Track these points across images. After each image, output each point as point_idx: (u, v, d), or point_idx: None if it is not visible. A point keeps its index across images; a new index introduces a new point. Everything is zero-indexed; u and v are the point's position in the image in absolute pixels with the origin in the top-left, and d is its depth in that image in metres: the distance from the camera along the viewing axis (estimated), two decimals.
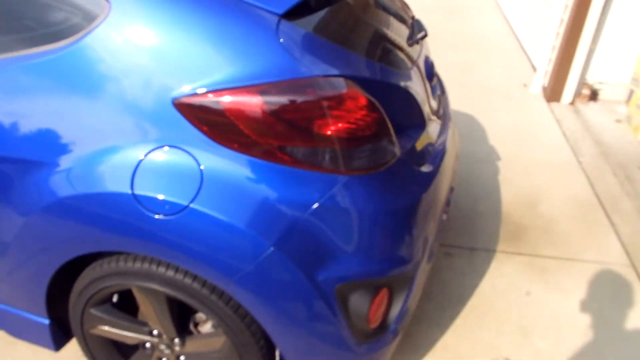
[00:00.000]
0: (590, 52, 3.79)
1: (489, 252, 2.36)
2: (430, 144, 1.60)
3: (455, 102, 3.81)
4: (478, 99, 3.89)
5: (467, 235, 2.46)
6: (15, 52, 1.23)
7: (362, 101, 1.25)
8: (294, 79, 1.19)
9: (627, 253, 2.37)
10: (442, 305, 2.07)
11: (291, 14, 1.24)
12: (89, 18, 1.18)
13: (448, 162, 1.69)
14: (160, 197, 1.18)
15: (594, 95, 3.97)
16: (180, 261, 1.23)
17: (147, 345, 1.48)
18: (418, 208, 1.38)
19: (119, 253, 1.33)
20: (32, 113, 1.23)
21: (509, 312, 2.04)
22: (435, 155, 1.59)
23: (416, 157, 1.46)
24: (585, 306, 2.07)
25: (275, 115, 1.17)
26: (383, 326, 1.39)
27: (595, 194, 2.80)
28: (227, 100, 1.16)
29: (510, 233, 2.48)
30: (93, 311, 1.43)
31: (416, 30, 1.76)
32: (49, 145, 1.23)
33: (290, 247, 1.19)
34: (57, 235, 1.29)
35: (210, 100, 1.16)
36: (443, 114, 1.86)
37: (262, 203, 1.18)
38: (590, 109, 3.84)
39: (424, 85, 1.68)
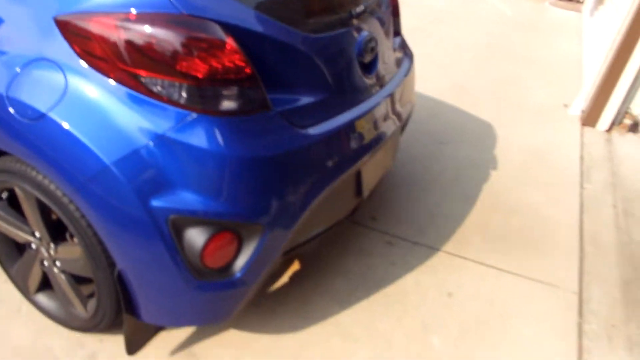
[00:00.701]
0: (638, 80, 3.47)
1: (432, 250, 2.29)
2: (332, 112, 1.59)
3: (484, 111, 3.66)
4: (509, 113, 3.70)
5: (418, 230, 2.40)
6: None
7: (229, 48, 1.30)
8: (161, 12, 1.26)
9: (581, 281, 2.19)
10: (355, 286, 2.05)
11: None
12: None
13: (360, 138, 1.67)
14: (26, 101, 1.30)
15: (635, 127, 3.64)
16: (38, 165, 1.35)
17: (33, 246, 1.63)
18: (279, 164, 1.39)
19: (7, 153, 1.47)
20: None
21: (419, 308, 1.98)
22: (334, 125, 1.57)
23: (299, 117, 1.47)
24: (504, 319, 1.96)
25: (134, 44, 1.24)
26: (226, 271, 1.42)
27: (580, 220, 2.59)
28: (95, 23, 1.25)
29: (465, 237, 2.38)
30: None
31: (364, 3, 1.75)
32: None
33: (127, 169, 1.27)
34: None
35: (83, 21, 1.26)
36: (378, 91, 1.82)
37: (109, 124, 1.27)
38: (625, 140, 3.53)
39: (349, 55, 1.67)
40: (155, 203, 1.29)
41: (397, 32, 2.19)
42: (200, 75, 1.27)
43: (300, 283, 2.04)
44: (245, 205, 1.36)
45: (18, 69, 1.33)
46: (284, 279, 2.06)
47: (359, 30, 1.72)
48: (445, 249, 2.30)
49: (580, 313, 2.04)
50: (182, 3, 1.27)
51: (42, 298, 1.73)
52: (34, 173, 1.41)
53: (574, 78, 4.50)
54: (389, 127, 1.88)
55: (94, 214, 1.33)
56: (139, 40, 1.24)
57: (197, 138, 1.29)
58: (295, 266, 2.13)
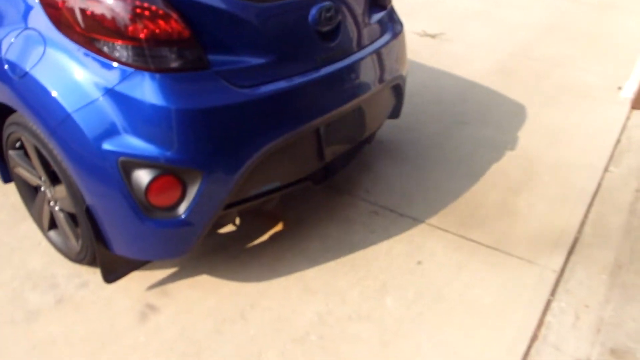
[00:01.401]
0: None
1: (415, 222, 2.34)
2: (279, 75, 1.73)
3: (522, 93, 3.55)
4: (550, 94, 3.56)
5: (408, 203, 2.45)
6: None
7: (168, 14, 1.50)
8: None
9: (566, 262, 2.12)
10: (329, 248, 2.18)
11: None
12: None
13: (310, 102, 1.80)
14: (15, 61, 1.61)
15: None
16: (27, 114, 1.66)
17: (42, 188, 1.96)
18: (214, 118, 1.57)
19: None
20: None
21: (383, 271, 2.06)
22: (278, 86, 1.70)
23: (238, 77, 1.63)
24: (466, 288, 1.97)
25: (87, 12, 1.50)
26: (172, 211, 1.64)
27: (590, 203, 2.48)
28: None
29: (453, 212, 2.39)
30: (11, 153, 1.97)
31: None
32: None
33: (84, 117, 1.53)
34: None
35: None
36: (339, 59, 1.92)
37: (72, 79, 1.54)
38: None
39: (301, 24, 1.78)
40: (107, 147, 1.53)
41: (384, 5, 2.25)
42: (143, 38, 1.49)
43: (278, 241, 2.21)
44: (183, 152, 1.56)
45: (13, 39, 1.64)
46: (264, 237, 2.24)
47: (316, 0, 1.82)
48: (429, 222, 2.33)
49: (554, 291, 1.99)
50: None
51: (52, 234, 2.07)
52: (30, 123, 1.73)
53: (635, 58, 4.15)
54: (349, 95, 1.95)
55: (63, 155, 1.61)
56: (90, 9, 1.48)
57: (140, 92, 1.51)
58: (278, 227, 2.30)
